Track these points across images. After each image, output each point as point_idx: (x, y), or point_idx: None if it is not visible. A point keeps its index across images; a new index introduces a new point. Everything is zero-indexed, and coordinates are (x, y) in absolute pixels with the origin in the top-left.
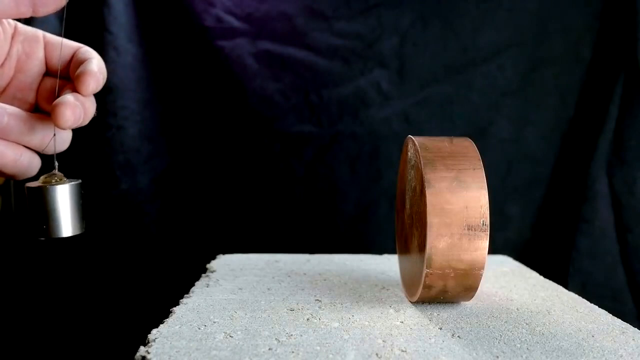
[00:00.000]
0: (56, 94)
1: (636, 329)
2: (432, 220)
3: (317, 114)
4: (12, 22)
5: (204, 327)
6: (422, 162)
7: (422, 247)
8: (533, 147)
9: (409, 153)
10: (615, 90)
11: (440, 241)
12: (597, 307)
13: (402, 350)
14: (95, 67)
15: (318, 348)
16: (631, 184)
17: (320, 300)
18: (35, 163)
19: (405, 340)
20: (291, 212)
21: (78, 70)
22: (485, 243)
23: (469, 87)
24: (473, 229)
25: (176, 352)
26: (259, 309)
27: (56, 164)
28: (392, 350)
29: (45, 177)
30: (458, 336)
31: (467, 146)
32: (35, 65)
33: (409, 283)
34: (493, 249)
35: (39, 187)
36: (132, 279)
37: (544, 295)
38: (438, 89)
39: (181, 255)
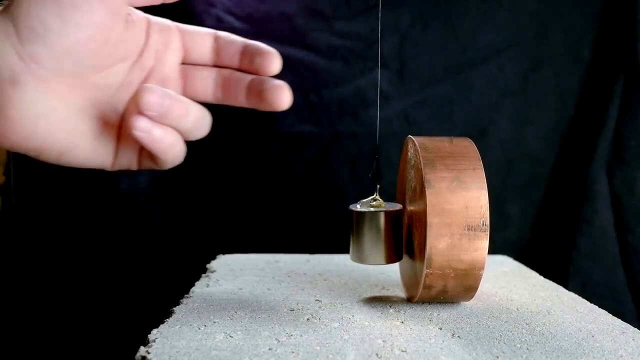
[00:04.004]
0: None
1: (636, 329)
2: (432, 220)
3: (317, 114)
4: (144, 14)
5: (204, 327)
6: (422, 162)
7: (422, 247)
8: (533, 147)
9: (409, 153)
10: (615, 90)
11: (440, 241)
12: (597, 307)
13: (402, 350)
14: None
15: (318, 348)
16: (631, 184)
17: (320, 300)
18: (184, 151)
19: (405, 340)
20: (291, 212)
21: (271, 83)
22: (485, 243)
23: (469, 87)
24: (473, 229)
25: (176, 352)
26: (259, 309)
27: (378, 186)
28: (392, 350)
29: (367, 201)
30: (458, 336)
31: (467, 146)
32: (173, 55)
33: (409, 283)
34: (493, 249)
35: (364, 213)
36: (132, 279)
37: (544, 295)
38: (438, 89)
39: (181, 255)
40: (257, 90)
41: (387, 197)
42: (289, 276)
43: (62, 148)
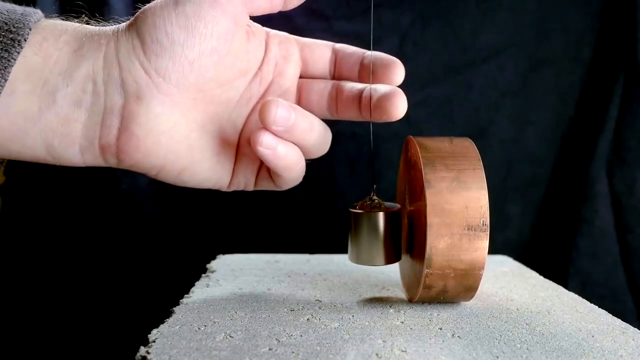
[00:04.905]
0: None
1: (636, 329)
2: (432, 220)
3: None
4: (262, 27)
5: (204, 327)
6: (422, 162)
7: (422, 247)
8: (533, 147)
9: (409, 153)
10: (615, 90)
11: (440, 241)
12: (597, 307)
13: (402, 350)
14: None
15: (318, 348)
16: (631, 184)
17: (320, 300)
18: (304, 169)
19: (405, 340)
20: (291, 212)
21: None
22: (485, 243)
23: (469, 87)
24: (473, 229)
25: (176, 352)
26: (259, 309)
27: (375, 186)
28: (392, 350)
29: (367, 203)
30: (458, 336)
31: (467, 146)
32: (292, 68)
33: (409, 283)
34: (493, 249)
35: (364, 214)
36: (132, 279)
37: (544, 295)
38: (438, 89)
39: (181, 255)
40: (373, 100)
41: (387, 197)
42: (289, 276)
43: (182, 166)
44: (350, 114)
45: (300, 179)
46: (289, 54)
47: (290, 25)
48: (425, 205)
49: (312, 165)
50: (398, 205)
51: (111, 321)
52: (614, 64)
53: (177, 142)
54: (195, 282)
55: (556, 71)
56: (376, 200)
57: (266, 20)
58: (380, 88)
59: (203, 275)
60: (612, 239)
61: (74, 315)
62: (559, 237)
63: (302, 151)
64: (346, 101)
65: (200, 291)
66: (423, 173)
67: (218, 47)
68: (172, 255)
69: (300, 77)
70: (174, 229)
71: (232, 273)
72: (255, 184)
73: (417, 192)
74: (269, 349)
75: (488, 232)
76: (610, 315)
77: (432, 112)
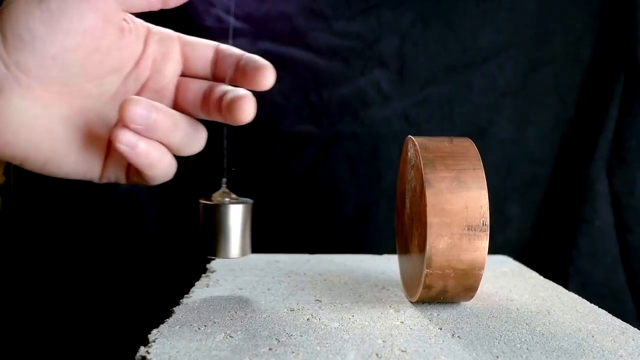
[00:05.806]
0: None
1: (636, 329)
2: (432, 220)
3: (317, 114)
4: (144, 23)
5: (204, 327)
6: (422, 162)
7: (422, 247)
8: (533, 147)
9: (409, 153)
10: (615, 90)
11: (440, 241)
12: (597, 307)
13: (402, 350)
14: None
15: (318, 348)
16: (631, 184)
17: (320, 300)
18: (174, 166)
19: (405, 340)
20: (291, 212)
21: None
22: (485, 243)
23: (469, 87)
24: (473, 229)
25: (176, 352)
26: (259, 309)
27: (224, 180)
28: (392, 350)
29: (219, 195)
30: (458, 336)
31: (467, 146)
32: (171, 66)
33: (409, 283)
34: (493, 249)
35: (222, 205)
36: (132, 279)
37: (544, 295)
38: (438, 89)
39: (181, 255)
40: (225, 101)
41: (387, 197)
42: (289, 276)
43: (45, 157)
44: (215, 115)
45: (169, 176)
46: (169, 52)
47: (290, 25)
48: (425, 205)
49: (312, 165)
50: (251, 200)
51: (111, 321)
52: (614, 64)
53: (38, 134)
54: (195, 282)
55: (556, 71)
56: (228, 193)
57: (266, 21)
58: (237, 91)
59: (203, 275)
60: (612, 239)
61: (74, 315)
62: (559, 237)
63: (168, 149)
64: (213, 102)
65: (200, 291)
66: (423, 173)
67: (84, 43)
68: (172, 255)
69: (183, 75)
70: (174, 229)
71: (232, 273)
72: (127, 178)
73: (417, 192)
74: (269, 349)
75: (488, 232)
76: (610, 315)
77: (432, 112)
